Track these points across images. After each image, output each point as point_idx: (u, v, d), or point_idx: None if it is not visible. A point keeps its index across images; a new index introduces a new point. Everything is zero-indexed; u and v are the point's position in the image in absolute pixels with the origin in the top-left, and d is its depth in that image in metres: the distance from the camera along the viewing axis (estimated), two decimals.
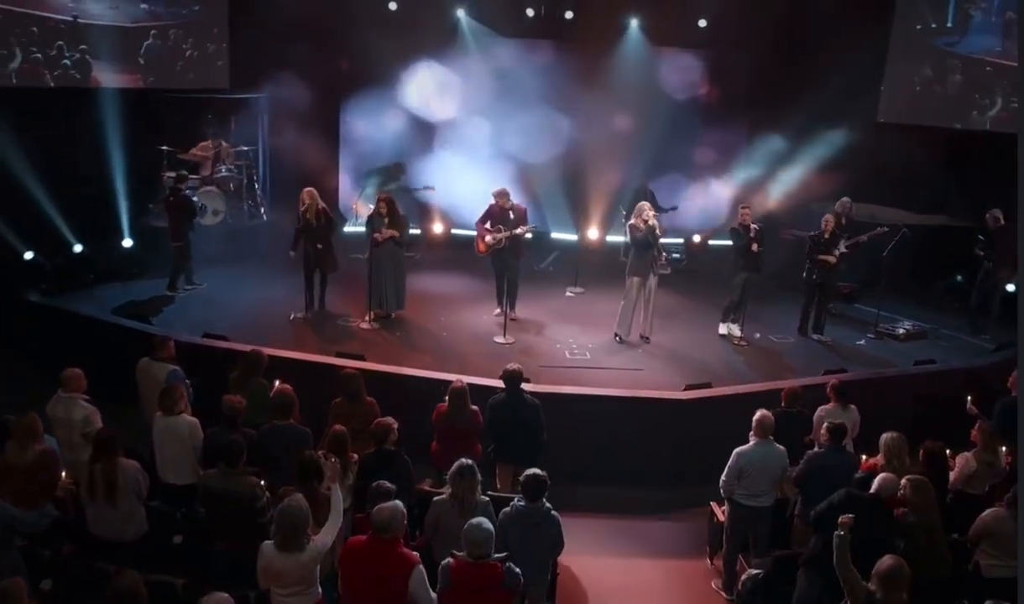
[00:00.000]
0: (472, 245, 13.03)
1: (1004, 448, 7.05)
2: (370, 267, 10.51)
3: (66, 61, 12.46)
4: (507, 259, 10.83)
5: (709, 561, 7.49)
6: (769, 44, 12.93)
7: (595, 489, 8.06)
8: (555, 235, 14.14)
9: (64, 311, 10.31)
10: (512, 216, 10.67)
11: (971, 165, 12.56)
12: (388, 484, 5.54)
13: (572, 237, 13.92)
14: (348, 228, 13.51)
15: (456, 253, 13.46)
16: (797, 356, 10.42)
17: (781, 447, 6.76)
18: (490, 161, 14.09)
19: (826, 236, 10.70)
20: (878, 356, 10.47)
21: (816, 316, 10.98)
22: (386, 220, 10.54)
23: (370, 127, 14.17)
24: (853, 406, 7.44)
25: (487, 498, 5.86)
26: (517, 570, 4.95)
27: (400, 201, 11.52)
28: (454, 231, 14.13)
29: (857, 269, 11.47)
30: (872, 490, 5.86)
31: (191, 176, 12.40)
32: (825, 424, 6.74)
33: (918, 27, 13.75)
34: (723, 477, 6.81)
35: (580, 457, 8.08)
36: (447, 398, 7.32)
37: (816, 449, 7.07)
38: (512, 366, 7.48)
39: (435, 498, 5.93)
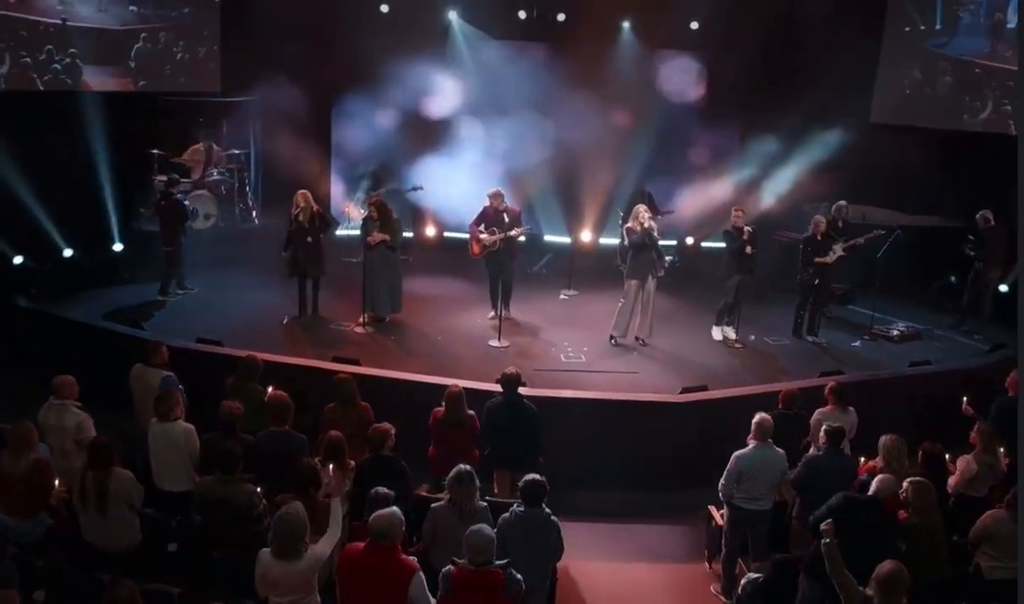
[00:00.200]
0: (465, 248, 13.03)
1: (1002, 449, 7.03)
2: (364, 271, 10.45)
3: (56, 66, 12.38)
4: (502, 261, 10.81)
5: (707, 565, 7.45)
6: (762, 46, 12.91)
7: (592, 493, 8.02)
8: (548, 238, 14.11)
9: (55, 317, 10.22)
10: (506, 218, 10.64)
11: (963, 166, 12.58)
12: (387, 490, 5.49)
13: (565, 240, 13.89)
14: (340, 231, 13.44)
15: (449, 256, 13.41)
16: (792, 358, 10.42)
17: (780, 450, 6.74)
18: (482, 163, 14.02)
19: (818, 238, 10.69)
20: (873, 358, 10.48)
21: (811, 318, 10.98)
22: (377, 224, 10.49)
23: (362, 130, 14.08)
24: (852, 408, 7.42)
25: (485, 504, 5.82)
26: (519, 577, 4.91)
27: (393, 203, 11.47)
28: (447, 234, 14.09)
29: (851, 270, 11.46)
30: (870, 491, 5.84)
31: (182, 180, 12.31)
32: (824, 427, 6.71)
33: (907, 29, 13.78)
34: (722, 481, 6.78)
35: (577, 461, 8.04)
36: (443, 403, 7.27)
37: (813, 452, 7.08)
38: (510, 370, 7.44)
39: (433, 504, 5.90)
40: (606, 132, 13.68)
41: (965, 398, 7.99)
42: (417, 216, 14.02)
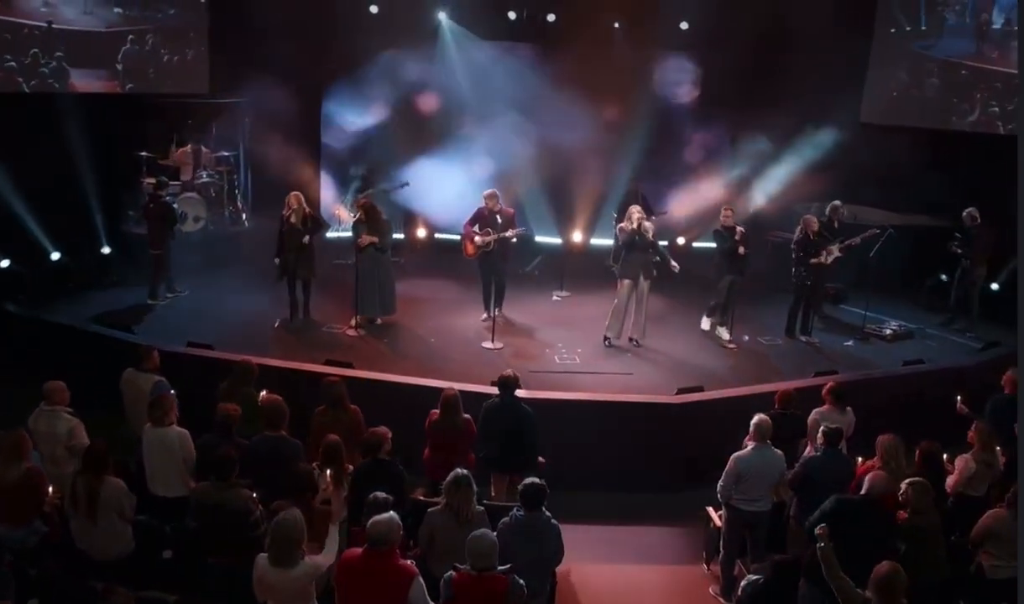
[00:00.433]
0: (456, 249, 12.97)
1: (999, 447, 7.03)
2: (356, 274, 10.40)
3: (43, 69, 12.26)
4: (495, 262, 10.79)
5: (706, 566, 7.42)
6: (752, 46, 12.89)
7: (588, 495, 7.96)
8: (539, 238, 14.08)
9: (43, 321, 10.11)
10: (499, 220, 10.60)
11: (952, 165, 12.64)
12: (385, 495, 5.43)
13: (556, 241, 13.86)
14: (330, 234, 13.34)
15: (441, 257, 13.38)
16: (786, 358, 10.41)
17: (778, 451, 6.72)
18: (473, 164, 14.00)
19: (811, 237, 10.70)
20: (866, 357, 10.49)
21: (804, 318, 10.98)
22: (366, 226, 10.42)
23: (352, 131, 14.04)
24: (849, 408, 7.40)
25: (483, 508, 5.77)
26: (521, 582, 4.87)
27: (383, 204, 11.41)
28: (438, 235, 14.03)
29: (844, 270, 11.48)
30: (863, 491, 5.82)
31: (171, 182, 12.20)
32: (821, 428, 6.69)
33: (892, 30, 13.82)
34: (721, 482, 6.75)
35: (573, 463, 7.98)
36: (439, 406, 7.22)
37: (811, 452, 7.07)
38: (508, 372, 7.41)
39: (430, 509, 5.84)
40: (596, 132, 13.66)
41: (959, 397, 8.01)
42: (408, 217, 13.96)
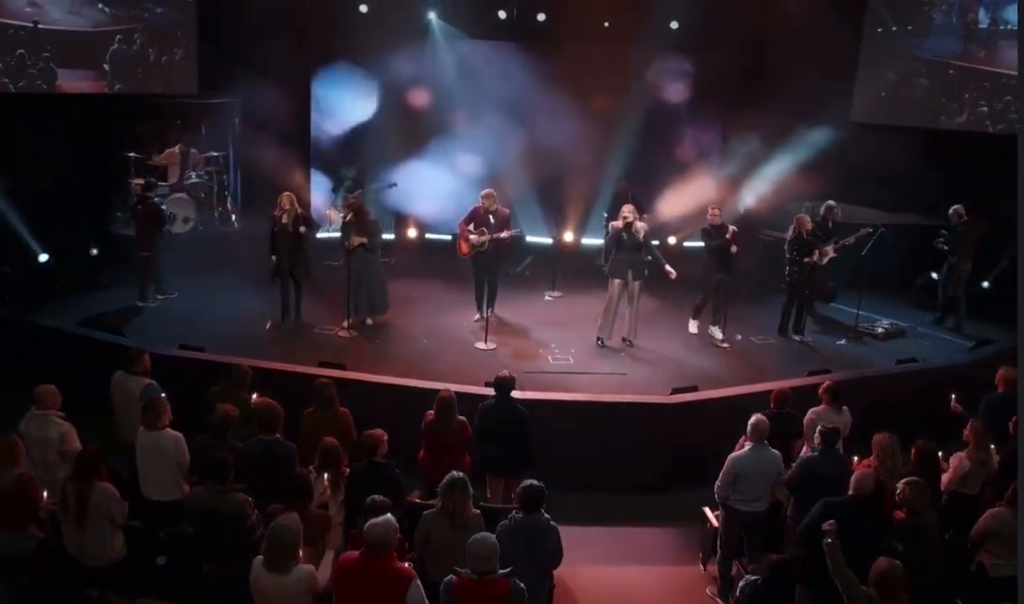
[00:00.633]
0: (448, 249, 12.95)
1: (993, 446, 7.05)
2: (348, 275, 10.35)
3: (31, 70, 12.15)
4: (489, 262, 10.76)
5: (702, 567, 7.40)
6: (743, 45, 12.91)
7: (585, 497, 7.92)
8: (530, 238, 14.04)
9: (31, 324, 10.00)
10: (493, 220, 10.56)
11: (943, 164, 12.68)
12: (383, 498, 5.39)
13: (547, 241, 13.84)
14: (321, 234, 13.29)
15: (432, 257, 13.34)
16: (780, 357, 10.42)
17: (776, 452, 6.71)
18: (463, 164, 13.99)
19: (804, 236, 10.71)
20: (859, 356, 10.51)
21: (797, 316, 10.99)
22: (355, 227, 10.37)
23: (342, 131, 13.98)
24: (845, 408, 7.41)
25: (479, 512, 5.72)
26: (522, 586, 4.83)
27: (372, 205, 11.35)
28: (428, 235, 13.98)
29: (837, 269, 11.49)
30: (850, 491, 5.81)
31: (159, 183, 12.10)
32: (818, 428, 6.68)
33: (879, 30, 13.85)
34: (718, 483, 6.73)
35: (568, 464, 7.97)
36: (434, 407, 7.18)
37: (807, 452, 7.07)
38: (503, 373, 7.37)
39: (425, 511, 5.80)
40: (587, 132, 13.64)
41: (953, 395, 8.02)
42: (399, 218, 13.91)
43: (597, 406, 8.55)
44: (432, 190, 13.88)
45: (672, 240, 13.95)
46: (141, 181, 11.66)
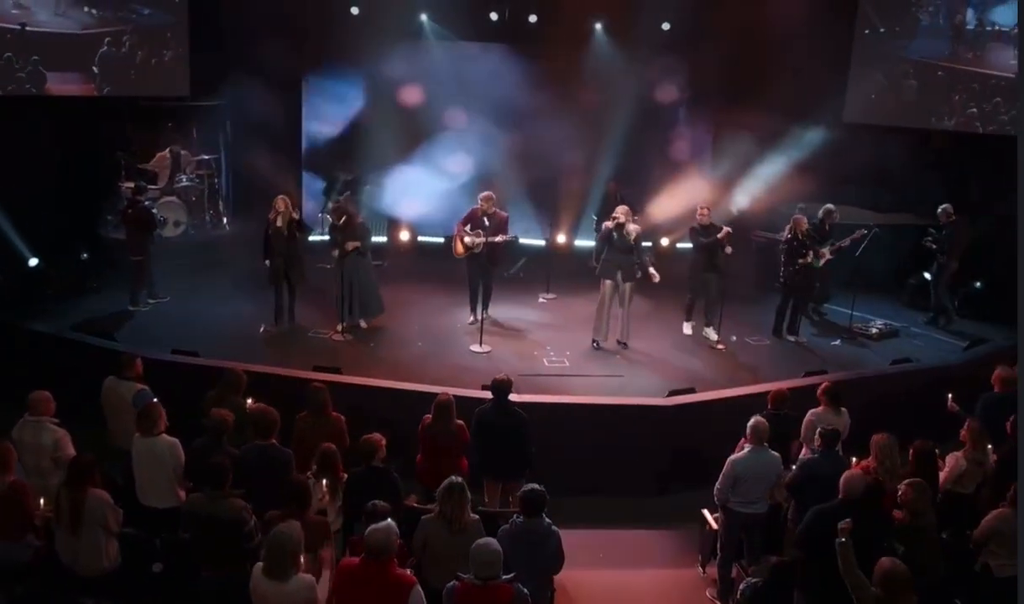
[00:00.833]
0: (441, 251, 12.92)
1: (990, 446, 7.05)
2: (340, 279, 10.31)
3: (20, 74, 12.04)
4: (483, 264, 10.74)
5: (701, 570, 7.37)
6: (734, 46, 12.92)
7: (582, 500, 7.89)
8: (523, 240, 13.98)
9: (21, 328, 9.88)
10: (488, 223, 10.53)
11: (935, 163, 12.74)
12: (384, 504, 5.35)
13: (540, 242, 13.80)
14: (313, 237, 13.22)
15: (425, 260, 13.28)
16: (775, 358, 10.42)
17: (775, 453, 6.69)
18: (456, 166, 13.95)
19: (800, 237, 10.72)
20: (854, 356, 10.52)
21: (791, 317, 10.99)
22: (342, 232, 10.30)
23: (333, 133, 13.92)
24: (844, 409, 7.39)
25: (477, 517, 5.67)
26: (525, 591, 4.79)
27: (361, 206, 11.30)
28: (421, 238, 13.93)
29: (831, 270, 11.47)
30: (840, 495, 5.78)
31: (150, 187, 12.01)
32: (819, 430, 6.67)
33: (866, 31, 13.88)
34: (717, 485, 6.70)
35: (566, 467, 7.93)
36: (432, 411, 7.14)
37: (806, 454, 7.06)
38: (501, 376, 7.34)
39: (423, 516, 5.75)
40: (579, 133, 13.63)
41: (950, 395, 8.02)
42: (391, 221, 13.85)
43: (594, 408, 8.53)
44: (424, 192, 13.83)
45: (665, 242, 13.93)
46: (131, 184, 11.56)
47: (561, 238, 13.13)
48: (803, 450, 7.25)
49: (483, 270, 10.82)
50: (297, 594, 4.89)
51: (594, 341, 10.45)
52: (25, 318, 10.16)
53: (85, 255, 11.78)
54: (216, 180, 13.40)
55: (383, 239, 13.59)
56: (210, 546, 5.61)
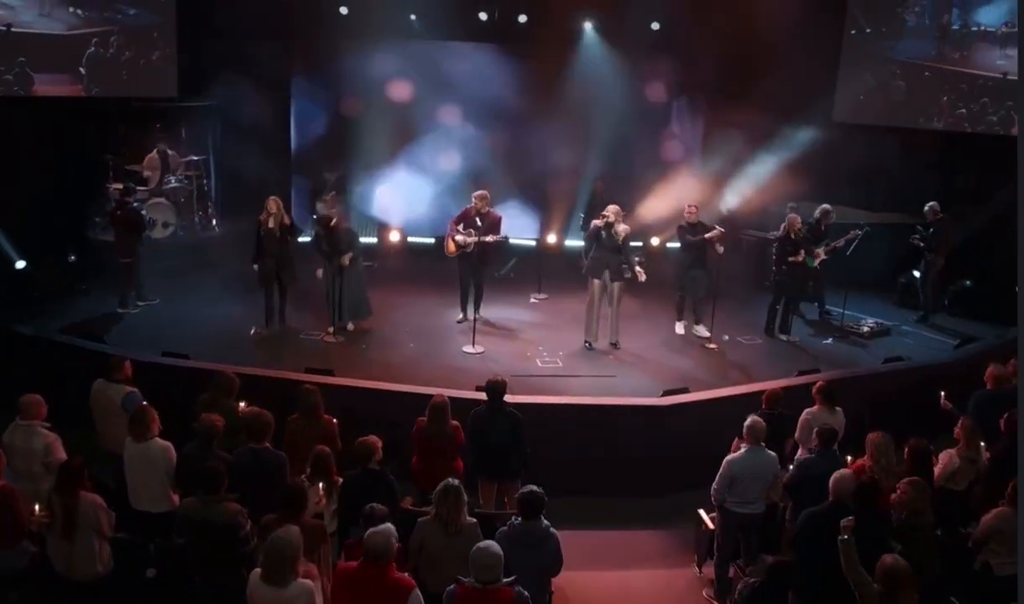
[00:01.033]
0: (431, 253, 12.90)
1: (983, 443, 7.07)
2: (330, 284, 10.26)
3: (7, 76, 11.95)
4: (474, 264, 10.73)
5: (698, 570, 7.35)
6: (724, 46, 12.94)
7: (578, 500, 7.82)
8: (514, 240, 13.97)
9: (8, 331, 9.75)
10: (480, 222, 10.51)
11: (926, 163, 12.80)
12: (382, 507, 5.31)
13: (530, 242, 13.80)
14: (303, 239, 13.13)
15: (415, 261, 13.23)
16: (767, 357, 10.44)
17: (772, 453, 6.68)
18: (445, 166, 13.93)
19: (792, 236, 10.75)
20: (846, 355, 10.54)
21: (783, 316, 11.01)
22: (325, 240, 10.26)
23: (322, 134, 13.85)
24: (839, 408, 7.39)
25: (474, 520, 5.63)
26: (526, 594, 4.76)
27: (352, 210, 11.25)
28: (411, 239, 13.89)
29: (823, 270, 11.48)
30: (830, 496, 5.76)
31: (139, 188, 11.91)
32: (816, 429, 6.67)
33: (852, 32, 13.92)
34: (714, 485, 6.68)
35: (560, 468, 7.86)
36: (427, 413, 7.10)
37: (803, 453, 7.06)
38: (495, 377, 7.30)
39: (420, 519, 5.71)
40: (569, 133, 13.63)
41: (943, 393, 8.04)
42: (380, 222, 13.78)
43: (589, 409, 8.50)
44: (414, 193, 13.81)
45: (655, 241, 13.94)
46: (120, 186, 11.46)
47: (552, 238, 13.12)
48: (800, 450, 7.24)
49: (474, 270, 10.80)
50: (297, 599, 4.83)
51: (586, 341, 10.43)
52: (12, 321, 10.04)
53: (73, 257, 11.70)
54: (205, 181, 13.31)
55: (373, 240, 13.53)
56: (205, 551, 5.54)
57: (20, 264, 11.17)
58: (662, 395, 8.62)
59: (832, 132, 13.08)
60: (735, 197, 13.47)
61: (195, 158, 13.09)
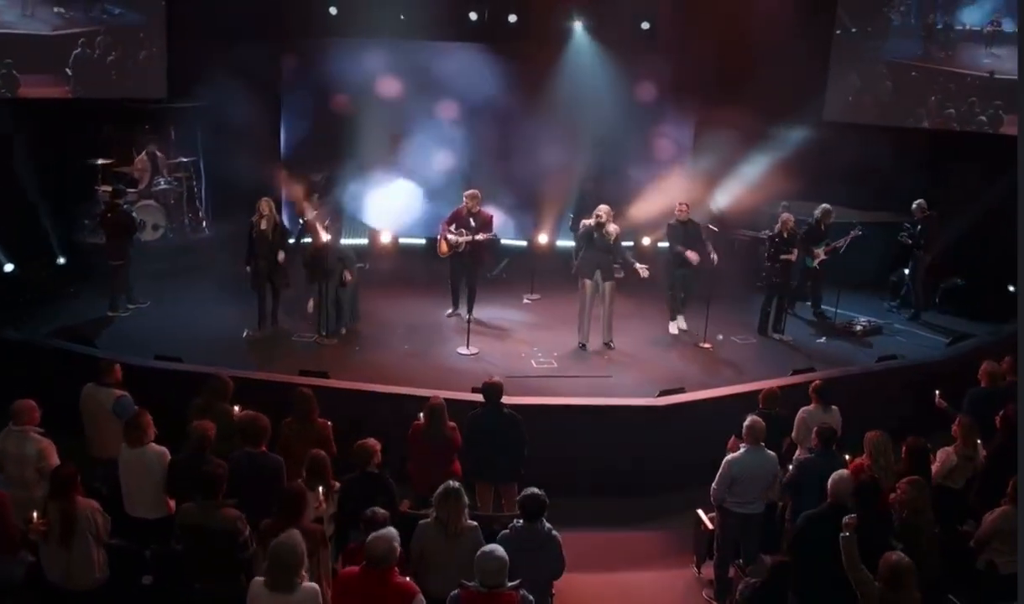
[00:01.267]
0: (422, 254, 12.84)
1: (979, 441, 7.09)
2: (322, 288, 10.21)
3: None
4: (466, 264, 10.72)
5: (696, 570, 7.34)
6: (715, 45, 12.96)
7: (575, 501, 7.79)
8: (505, 241, 13.95)
9: None
10: (474, 222, 10.48)
11: (917, 161, 12.85)
12: (384, 511, 5.26)
13: (521, 243, 13.77)
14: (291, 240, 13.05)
15: (407, 262, 13.16)
16: (762, 356, 10.45)
17: (772, 453, 6.68)
18: (436, 167, 13.88)
19: (785, 235, 10.77)
20: (840, 353, 10.56)
21: (776, 315, 11.03)
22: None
23: (313, 135, 13.77)
24: (835, 407, 7.40)
25: (475, 524, 5.58)
26: (531, 598, 4.73)
27: (337, 206, 11.32)
28: (402, 240, 13.83)
29: (823, 270, 11.48)
30: (828, 499, 5.75)
31: (128, 190, 11.80)
32: (815, 428, 6.67)
33: (838, 32, 13.96)
34: (714, 485, 6.67)
35: (558, 469, 7.82)
36: (424, 414, 7.05)
37: (801, 453, 7.06)
38: (492, 379, 7.27)
39: (421, 521, 5.67)
40: (559, 133, 13.61)
41: (938, 391, 8.07)
42: (371, 223, 13.72)
43: (585, 410, 8.48)
44: (404, 193, 13.75)
45: (646, 241, 13.93)
46: (109, 188, 11.35)
47: (543, 238, 13.09)
48: (799, 450, 7.24)
49: (467, 270, 10.78)
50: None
51: (580, 343, 10.41)
52: (0, 325, 9.92)
53: (62, 260, 11.58)
54: (194, 183, 13.20)
55: (363, 241, 13.45)
56: (203, 557, 5.48)
57: (8, 268, 11.05)
58: (658, 395, 8.61)
59: (823, 131, 13.10)
60: (725, 196, 13.47)
61: (184, 159, 12.97)
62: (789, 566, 6.01)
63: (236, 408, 7.03)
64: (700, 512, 7.26)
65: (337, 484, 6.23)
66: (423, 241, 13.83)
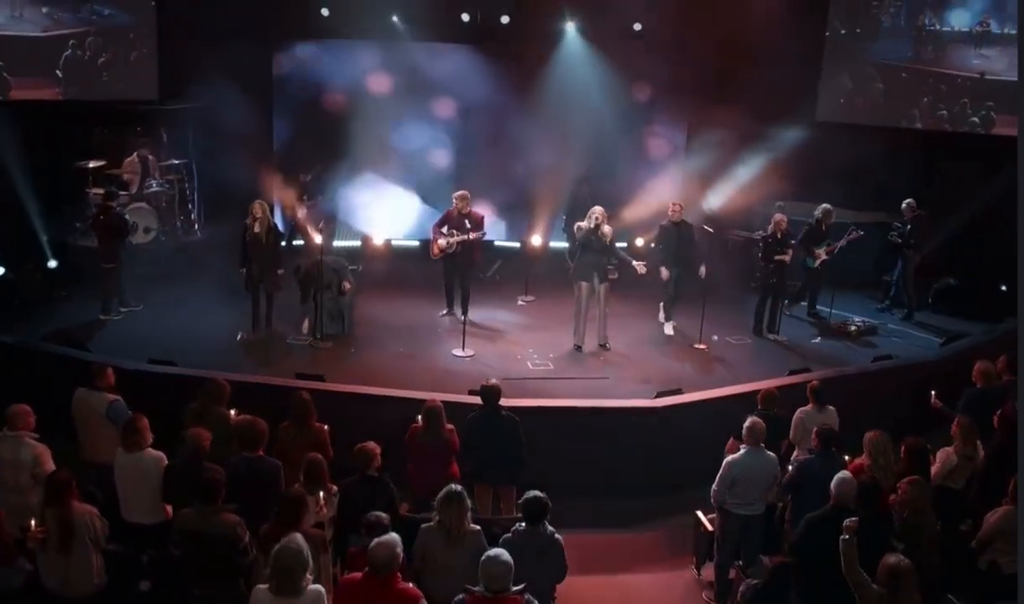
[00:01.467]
0: (415, 256, 12.79)
1: (979, 441, 7.10)
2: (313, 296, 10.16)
3: None
4: (459, 265, 10.71)
5: (696, 571, 7.33)
6: (708, 46, 12.93)
7: (574, 503, 7.73)
8: (498, 243, 13.95)
9: None
10: (468, 223, 10.46)
11: (910, 161, 12.89)
12: (384, 515, 5.22)
13: (515, 244, 13.74)
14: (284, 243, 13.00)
15: (400, 264, 13.12)
16: (757, 357, 10.46)
17: (772, 454, 6.67)
18: (428, 168, 13.85)
19: (778, 235, 10.79)
20: (834, 353, 10.58)
21: (771, 315, 11.04)
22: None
23: (305, 136, 13.71)
24: (831, 407, 7.40)
25: (478, 528, 5.54)
26: (535, 602, 4.70)
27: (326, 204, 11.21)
28: (395, 242, 13.78)
29: (822, 270, 11.49)
30: (831, 500, 5.75)
31: (120, 193, 11.71)
32: (815, 429, 6.67)
33: (827, 33, 13.99)
34: (714, 486, 6.66)
35: (556, 471, 7.80)
36: (421, 417, 7.02)
37: (800, 454, 7.06)
38: (491, 381, 7.26)
39: (423, 525, 5.63)
40: (552, 134, 13.57)
41: (933, 392, 8.08)
42: (363, 227, 13.67)
43: (583, 411, 8.46)
44: (397, 195, 13.70)
45: (640, 242, 13.91)
46: (101, 191, 11.27)
47: (536, 240, 13.06)
48: (796, 451, 7.24)
49: (460, 271, 10.76)
50: None
51: (576, 345, 10.39)
52: None
53: (53, 263, 11.48)
54: (187, 185, 13.11)
55: (357, 243, 13.41)
56: (202, 563, 5.44)
57: (0, 271, 10.95)
58: (656, 396, 8.59)
59: (816, 132, 13.12)
60: (719, 197, 13.48)
61: (176, 162, 12.88)
62: (790, 567, 6.01)
63: (232, 412, 6.98)
64: (699, 513, 7.26)
65: (335, 488, 6.19)
66: (416, 243, 13.79)
